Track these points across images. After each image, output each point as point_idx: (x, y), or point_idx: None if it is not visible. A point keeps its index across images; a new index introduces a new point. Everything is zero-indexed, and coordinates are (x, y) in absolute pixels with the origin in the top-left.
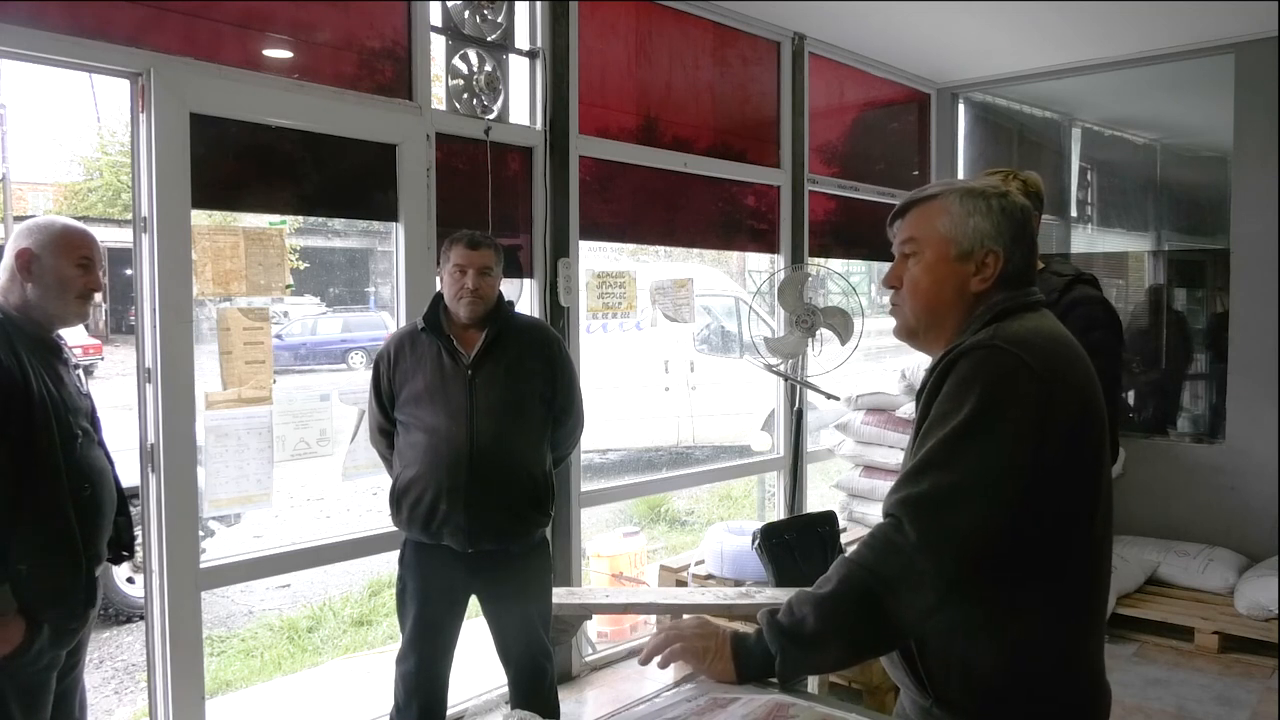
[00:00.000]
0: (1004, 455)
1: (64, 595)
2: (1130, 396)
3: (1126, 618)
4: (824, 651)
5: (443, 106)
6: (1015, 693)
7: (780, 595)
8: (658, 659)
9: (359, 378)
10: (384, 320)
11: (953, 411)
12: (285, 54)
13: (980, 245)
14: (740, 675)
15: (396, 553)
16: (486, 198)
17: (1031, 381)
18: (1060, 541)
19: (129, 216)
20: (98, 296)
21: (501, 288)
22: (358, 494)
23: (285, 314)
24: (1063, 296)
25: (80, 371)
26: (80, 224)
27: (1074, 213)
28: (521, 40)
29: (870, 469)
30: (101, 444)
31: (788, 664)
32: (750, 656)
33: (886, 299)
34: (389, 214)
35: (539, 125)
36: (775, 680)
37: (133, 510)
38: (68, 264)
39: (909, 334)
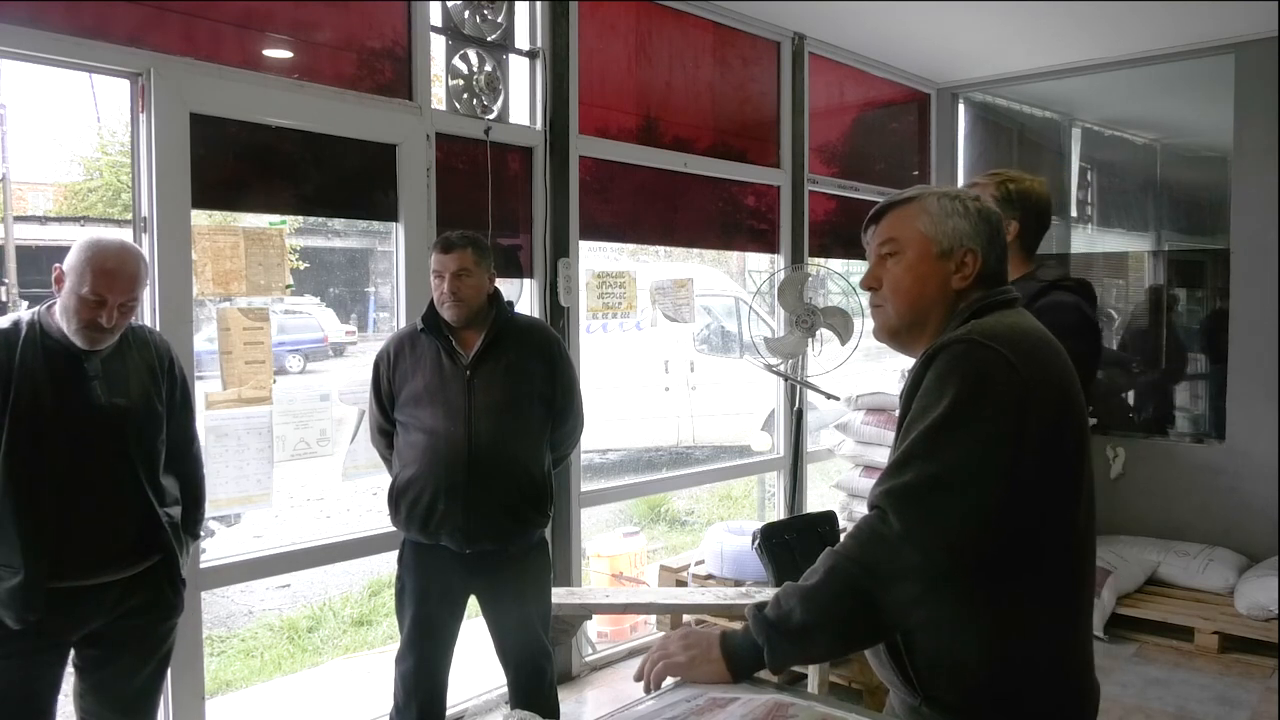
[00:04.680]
0: (985, 446)
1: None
2: (1130, 396)
3: (1126, 618)
4: (811, 643)
5: (443, 106)
6: (1004, 688)
7: None
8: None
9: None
10: (319, 324)
11: (933, 405)
12: (285, 54)
13: (960, 244)
14: (733, 673)
15: (396, 553)
16: (486, 198)
17: (1010, 374)
18: (1043, 535)
19: (129, 216)
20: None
21: (501, 287)
22: (358, 494)
23: (286, 314)
24: (1031, 304)
25: (98, 382)
26: (124, 253)
27: (1074, 213)
28: (521, 40)
29: (870, 469)
30: (124, 456)
31: (775, 656)
32: (740, 652)
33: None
34: (389, 214)
35: (539, 125)
36: (774, 680)
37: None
38: (78, 293)
39: (890, 333)
